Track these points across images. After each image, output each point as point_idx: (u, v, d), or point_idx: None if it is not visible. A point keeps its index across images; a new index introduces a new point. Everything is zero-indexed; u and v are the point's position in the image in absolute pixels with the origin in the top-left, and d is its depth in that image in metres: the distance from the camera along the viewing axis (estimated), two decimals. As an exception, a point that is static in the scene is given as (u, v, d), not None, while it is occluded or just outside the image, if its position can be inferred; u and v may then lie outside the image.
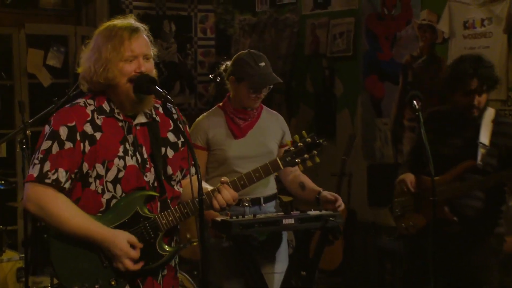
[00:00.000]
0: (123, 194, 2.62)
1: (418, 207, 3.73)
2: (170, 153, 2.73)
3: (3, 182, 5.06)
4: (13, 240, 5.87)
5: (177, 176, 2.75)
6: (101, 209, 2.61)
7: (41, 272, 5.12)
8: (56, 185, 2.56)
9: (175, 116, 2.66)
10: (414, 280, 3.78)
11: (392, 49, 5.65)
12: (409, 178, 3.72)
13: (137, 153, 2.64)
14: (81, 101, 2.65)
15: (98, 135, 2.60)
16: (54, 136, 2.57)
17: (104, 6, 6.79)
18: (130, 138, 2.65)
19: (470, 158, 3.55)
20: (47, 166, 2.55)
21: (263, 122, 3.72)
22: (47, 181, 2.54)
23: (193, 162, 2.46)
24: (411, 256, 3.86)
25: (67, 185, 2.58)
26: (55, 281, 4.33)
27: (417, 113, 3.35)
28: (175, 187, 2.75)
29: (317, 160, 2.81)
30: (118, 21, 2.65)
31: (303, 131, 2.85)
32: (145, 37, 2.64)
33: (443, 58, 5.21)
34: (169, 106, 2.63)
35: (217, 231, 3.45)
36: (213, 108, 3.79)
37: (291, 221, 3.37)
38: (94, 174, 2.59)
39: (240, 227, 3.28)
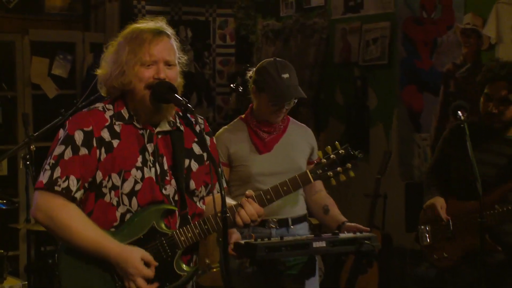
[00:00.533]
0: (139, 209, 2.63)
1: (452, 235, 3.65)
2: (194, 166, 2.75)
3: (4, 201, 5.10)
4: (14, 266, 5.91)
5: (200, 192, 2.76)
6: (115, 224, 2.63)
7: (45, 301, 5.16)
8: (67, 194, 2.57)
9: (198, 128, 2.65)
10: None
11: (432, 56, 5.64)
12: (440, 203, 3.66)
13: (157, 164, 2.66)
14: (99, 105, 2.69)
15: (115, 142, 2.62)
16: (69, 140, 2.60)
17: (114, 11, 6.82)
18: (151, 147, 2.67)
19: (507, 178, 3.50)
20: (57, 173, 2.57)
21: (290, 136, 3.72)
22: (57, 188, 2.56)
23: (216, 177, 2.47)
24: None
25: (78, 195, 2.60)
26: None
27: (462, 125, 3.34)
28: (198, 203, 2.76)
29: (352, 174, 2.80)
30: (144, 23, 2.70)
31: (336, 142, 2.83)
32: (171, 42, 2.68)
33: (489, 66, 5.20)
34: (191, 117, 2.61)
35: (240, 255, 3.44)
36: (234, 120, 3.81)
37: (323, 244, 3.35)
38: (110, 184, 2.61)
39: (265, 250, 3.26)
